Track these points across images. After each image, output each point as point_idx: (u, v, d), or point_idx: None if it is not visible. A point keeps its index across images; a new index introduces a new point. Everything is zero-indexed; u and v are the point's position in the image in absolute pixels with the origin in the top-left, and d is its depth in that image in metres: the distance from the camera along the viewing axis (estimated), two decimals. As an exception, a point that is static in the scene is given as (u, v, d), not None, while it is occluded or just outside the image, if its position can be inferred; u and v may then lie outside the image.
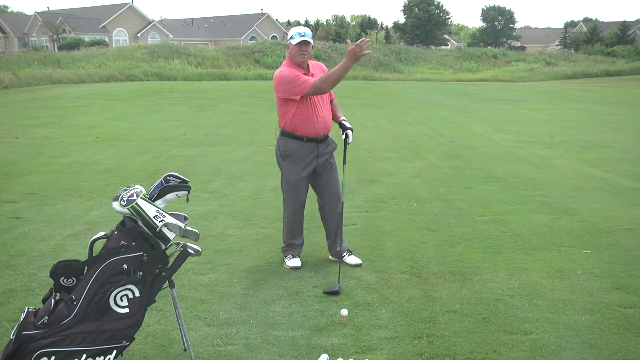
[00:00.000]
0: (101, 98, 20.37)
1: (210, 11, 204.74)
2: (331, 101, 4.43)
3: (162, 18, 69.78)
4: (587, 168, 8.49)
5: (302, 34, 4.07)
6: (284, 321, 3.50)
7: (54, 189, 6.82)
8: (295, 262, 4.40)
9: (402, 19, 69.60)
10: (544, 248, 4.84)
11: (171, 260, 2.74)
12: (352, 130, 4.32)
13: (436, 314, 3.58)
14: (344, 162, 4.44)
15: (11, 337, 2.52)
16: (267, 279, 4.17)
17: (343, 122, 4.34)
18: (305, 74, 4.14)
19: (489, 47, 62.15)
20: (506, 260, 4.53)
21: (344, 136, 4.29)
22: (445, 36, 70.73)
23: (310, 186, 4.46)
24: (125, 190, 2.67)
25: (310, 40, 4.08)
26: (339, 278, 4.07)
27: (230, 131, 12.33)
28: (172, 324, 3.39)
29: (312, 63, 4.28)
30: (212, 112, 16.48)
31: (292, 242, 4.48)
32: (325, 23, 75.68)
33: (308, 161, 4.27)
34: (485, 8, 75.71)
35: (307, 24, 76.15)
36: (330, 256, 4.57)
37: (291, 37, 4.11)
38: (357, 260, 4.43)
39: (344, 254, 4.46)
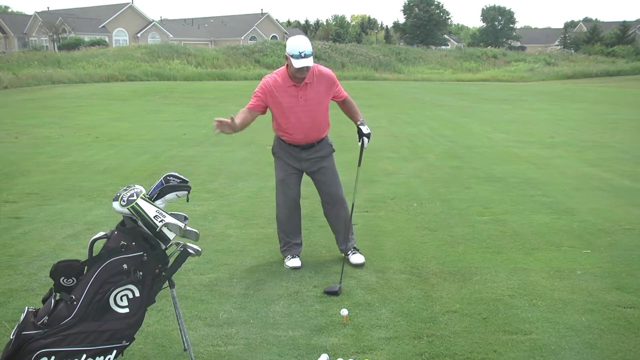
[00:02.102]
0: (101, 98, 20.37)
1: (210, 11, 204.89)
2: (343, 100, 4.27)
3: (162, 18, 69.83)
4: (587, 168, 8.49)
5: (302, 54, 3.85)
6: (284, 321, 3.50)
7: (54, 189, 6.82)
8: (294, 262, 4.39)
9: (402, 19, 69.79)
10: (544, 248, 4.84)
11: (171, 260, 2.74)
12: (368, 138, 4.17)
13: (436, 314, 3.58)
14: (359, 164, 4.43)
15: (11, 337, 2.52)
16: (267, 279, 4.17)
17: (360, 127, 4.20)
18: (295, 85, 4.06)
19: (489, 47, 62.21)
20: (506, 260, 4.53)
21: (360, 143, 4.20)
22: (445, 36, 70.79)
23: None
24: (125, 190, 2.67)
25: (310, 63, 3.90)
26: (340, 278, 4.06)
27: (230, 131, 12.31)
28: (172, 324, 3.39)
29: (315, 71, 4.11)
30: (212, 112, 16.46)
31: (289, 241, 4.47)
32: (325, 23, 75.67)
33: (291, 161, 4.32)
34: (485, 8, 75.81)
35: (307, 24, 76.19)
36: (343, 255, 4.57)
37: (291, 53, 3.89)
38: (360, 260, 4.41)
39: (349, 252, 4.46)
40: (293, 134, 4.19)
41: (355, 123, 4.28)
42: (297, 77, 4.01)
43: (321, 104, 4.18)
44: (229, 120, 3.82)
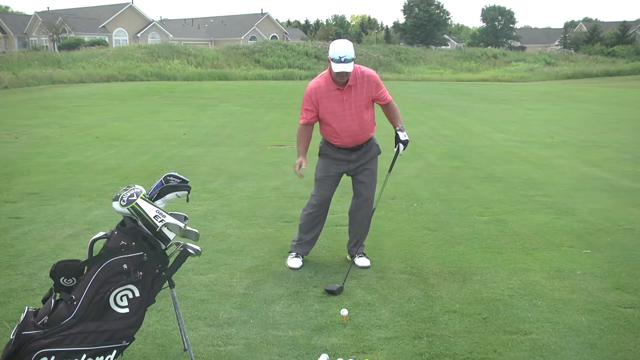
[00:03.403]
0: (101, 98, 20.37)
1: (210, 11, 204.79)
2: (386, 104, 4.25)
3: (162, 18, 69.86)
4: (587, 168, 8.49)
5: (342, 59, 3.85)
6: (284, 321, 3.50)
7: (54, 189, 6.82)
8: (295, 262, 4.40)
9: (402, 19, 69.74)
10: (544, 248, 4.84)
11: (171, 260, 2.74)
12: (404, 145, 4.14)
13: (436, 314, 3.58)
14: (389, 170, 4.42)
15: (11, 337, 2.52)
16: (267, 279, 4.17)
17: (398, 132, 4.17)
18: (339, 88, 4.06)
19: (489, 47, 62.15)
20: (506, 260, 4.53)
21: (395, 148, 4.18)
22: (445, 36, 70.75)
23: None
24: (125, 190, 2.67)
25: (350, 68, 3.89)
26: (344, 279, 4.06)
27: (230, 131, 12.32)
28: (172, 324, 3.39)
29: (358, 73, 4.08)
30: (212, 112, 16.48)
31: (302, 237, 4.49)
32: (325, 23, 75.67)
33: (338, 163, 4.30)
34: (485, 8, 75.79)
35: (307, 24, 76.18)
36: (347, 256, 4.56)
37: (332, 57, 3.90)
38: (366, 263, 4.41)
39: (356, 255, 4.46)
40: (342, 137, 4.17)
41: (394, 128, 4.26)
42: (338, 81, 4.02)
43: (366, 105, 4.17)
44: (302, 162, 4.20)
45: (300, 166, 4.19)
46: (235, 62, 39.95)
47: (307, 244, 4.50)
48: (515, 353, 3.12)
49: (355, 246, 4.47)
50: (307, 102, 4.15)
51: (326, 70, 4.16)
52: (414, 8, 65.72)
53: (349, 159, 4.28)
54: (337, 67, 3.89)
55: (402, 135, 4.14)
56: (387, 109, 4.29)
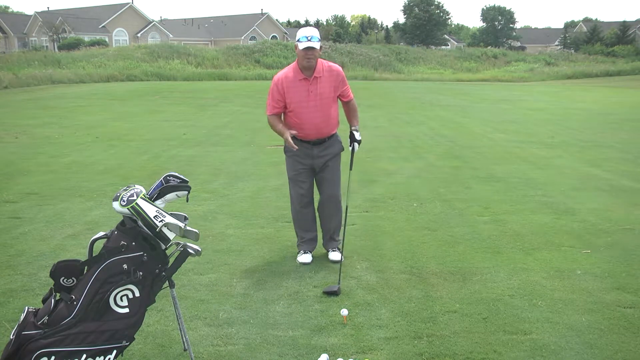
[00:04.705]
0: (101, 98, 20.37)
1: (210, 11, 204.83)
2: (348, 102, 4.41)
3: (162, 18, 69.79)
4: (587, 168, 8.49)
5: (309, 38, 4.05)
6: (284, 321, 3.50)
7: (54, 189, 6.82)
8: (304, 258, 4.47)
9: (402, 19, 69.80)
10: (544, 248, 4.84)
11: (171, 260, 2.74)
12: (358, 144, 4.31)
13: (436, 314, 3.58)
14: (350, 168, 4.48)
15: (11, 337, 2.52)
16: (267, 279, 4.17)
17: (354, 132, 4.31)
18: (306, 78, 4.15)
19: (489, 47, 62.15)
20: (506, 260, 4.53)
21: (350, 147, 4.32)
22: (445, 36, 70.78)
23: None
24: (125, 190, 2.67)
25: (316, 45, 4.06)
26: (339, 279, 4.07)
27: (230, 131, 12.33)
28: (172, 324, 3.39)
29: (325, 66, 4.23)
30: (212, 112, 16.49)
31: (303, 236, 4.56)
32: (325, 23, 75.68)
33: (302, 158, 4.36)
34: (485, 8, 75.83)
35: (307, 24, 76.23)
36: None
37: (298, 40, 4.11)
38: (337, 257, 4.44)
39: (330, 249, 4.55)
40: (305, 129, 4.23)
41: (350, 127, 4.38)
42: (305, 65, 4.11)
43: (331, 98, 4.27)
44: (289, 132, 4.13)
45: (290, 137, 4.12)
46: (235, 62, 39.94)
47: (309, 241, 4.56)
48: (515, 353, 3.12)
49: (329, 241, 4.56)
50: (275, 92, 4.22)
51: (293, 62, 4.26)
52: (414, 8, 65.74)
53: (311, 153, 4.33)
54: (304, 44, 4.03)
55: (357, 135, 4.32)
56: (348, 106, 4.44)
